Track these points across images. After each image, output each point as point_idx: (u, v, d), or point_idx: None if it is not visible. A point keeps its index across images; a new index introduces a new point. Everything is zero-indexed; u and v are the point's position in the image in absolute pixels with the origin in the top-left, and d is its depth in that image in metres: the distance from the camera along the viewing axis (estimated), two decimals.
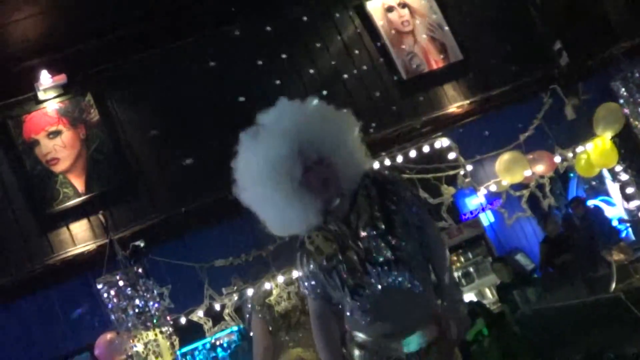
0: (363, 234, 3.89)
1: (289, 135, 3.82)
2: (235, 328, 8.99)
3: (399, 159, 8.55)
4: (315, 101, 4.04)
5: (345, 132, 4.00)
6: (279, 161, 3.80)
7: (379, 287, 3.87)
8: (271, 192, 3.83)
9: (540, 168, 8.78)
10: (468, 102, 9.02)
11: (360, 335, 4.02)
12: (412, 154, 8.62)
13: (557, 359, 6.64)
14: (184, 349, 12.33)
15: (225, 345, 12.47)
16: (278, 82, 8.74)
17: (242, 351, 10.94)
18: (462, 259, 14.00)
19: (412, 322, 3.95)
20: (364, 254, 3.87)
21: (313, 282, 3.96)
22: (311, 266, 3.91)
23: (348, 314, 3.98)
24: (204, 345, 12.41)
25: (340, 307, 4.02)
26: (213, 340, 12.33)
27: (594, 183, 11.29)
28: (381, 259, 3.88)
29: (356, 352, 4.09)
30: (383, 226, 3.90)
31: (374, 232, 3.88)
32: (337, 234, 3.91)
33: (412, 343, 3.90)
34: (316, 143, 3.85)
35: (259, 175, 3.85)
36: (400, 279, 3.90)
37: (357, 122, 4.04)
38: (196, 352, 12.75)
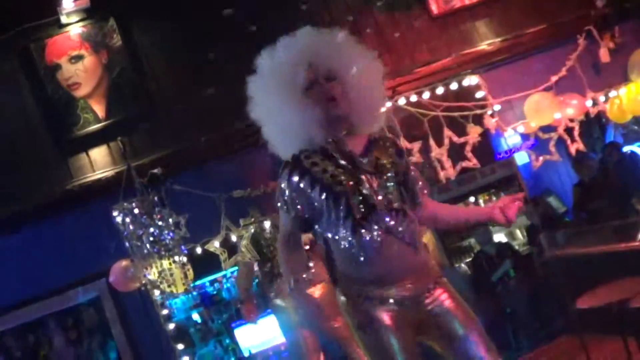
0: (382, 174, 3.91)
1: (301, 45, 3.90)
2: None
3: (425, 95, 8.43)
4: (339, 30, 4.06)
5: (365, 65, 4.01)
6: (286, 68, 3.86)
7: (383, 231, 3.87)
8: (277, 100, 3.89)
9: (570, 111, 8.61)
10: (500, 39, 8.83)
11: (349, 275, 4.02)
12: (439, 90, 8.49)
13: (578, 306, 6.54)
14: (211, 277, 12.49)
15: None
16: (304, 7, 8.59)
17: None
18: (494, 198, 13.93)
19: (406, 271, 3.99)
20: (377, 195, 3.87)
21: (297, 199, 3.93)
22: (302, 184, 3.88)
23: (342, 247, 3.95)
24: (232, 273, 12.52)
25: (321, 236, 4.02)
26: None
27: (635, 127, 11.05)
28: (391, 205, 3.89)
29: (342, 298, 4.13)
30: (400, 178, 3.95)
31: (393, 178, 3.92)
32: (346, 167, 3.89)
33: None
34: (329, 58, 3.90)
35: (268, 85, 3.92)
36: (401, 228, 3.90)
37: (381, 67, 4.04)
38: (224, 280, 12.89)
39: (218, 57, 8.26)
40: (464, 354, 3.98)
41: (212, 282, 12.84)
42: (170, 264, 7.30)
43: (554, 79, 8.68)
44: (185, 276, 7.40)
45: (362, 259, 3.89)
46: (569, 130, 8.71)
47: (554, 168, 12.46)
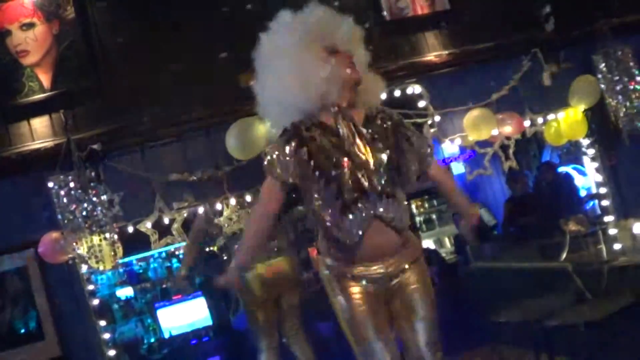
0: (377, 155, 4.04)
1: (329, 15, 4.16)
2: None
3: None
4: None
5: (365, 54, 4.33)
6: (316, 27, 4.08)
7: (371, 213, 4.00)
8: (300, 55, 4.06)
9: (508, 129, 8.76)
10: (447, 52, 8.94)
11: (334, 252, 4.21)
12: (382, 96, 8.55)
13: (498, 318, 6.71)
14: (139, 256, 12.51)
15: (180, 256, 12.61)
16: None
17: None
18: (426, 205, 14.20)
19: (388, 253, 4.17)
20: (369, 178, 4.00)
21: (291, 165, 4.07)
22: (299, 152, 4.03)
23: (327, 225, 4.10)
24: (160, 253, 12.56)
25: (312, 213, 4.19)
26: (171, 250, 12.48)
27: (572, 149, 11.28)
28: (382, 189, 4.02)
29: (325, 272, 4.32)
30: (394, 161, 4.07)
31: (388, 162, 4.05)
32: (345, 141, 4.04)
33: None
34: (348, 35, 4.17)
35: (294, 39, 4.08)
36: (390, 214, 4.05)
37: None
38: (151, 260, 12.92)
39: (173, 41, 8.29)
40: (416, 331, 4.25)
41: (139, 261, 12.88)
42: (100, 240, 7.32)
43: (495, 96, 8.83)
44: (115, 254, 7.42)
45: (347, 241, 4.04)
46: (504, 148, 8.86)
47: (488, 182, 12.69)
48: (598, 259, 6.99)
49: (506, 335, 7.47)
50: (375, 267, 4.15)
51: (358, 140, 4.03)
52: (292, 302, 7.38)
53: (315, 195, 4.06)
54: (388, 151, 4.04)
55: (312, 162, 3.99)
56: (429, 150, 4.33)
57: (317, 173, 3.98)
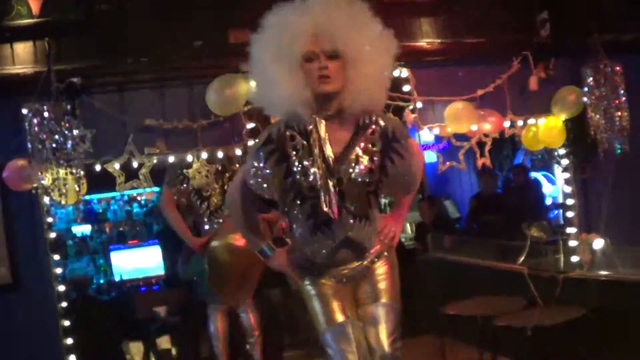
0: (356, 179, 3.96)
1: (312, 13, 3.82)
2: (157, 189, 9.03)
3: None
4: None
5: (375, 45, 3.94)
6: (289, 33, 3.81)
7: (341, 236, 4.03)
8: (273, 64, 3.85)
9: (487, 127, 8.77)
10: (439, 41, 8.92)
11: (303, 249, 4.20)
12: (383, 100, 8.52)
13: (447, 310, 6.78)
14: (101, 195, 12.46)
15: (142, 202, 12.60)
16: None
17: (157, 212, 11.05)
18: None
19: (353, 260, 4.20)
20: (344, 199, 3.96)
21: (267, 184, 4.02)
22: (277, 167, 3.98)
23: (297, 235, 4.17)
24: (122, 196, 12.51)
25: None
26: (134, 194, 12.45)
27: (546, 156, 11.36)
28: (355, 212, 3.99)
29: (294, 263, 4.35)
30: (374, 185, 4.00)
31: (366, 186, 3.98)
32: (326, 160, 3.93)
33: None
34: (337, 34, 3.82)
35: (268, 44, 3.88)
36: (361, 235, 4.07)
37: (393, 46, 4.05)
38: (112, 201, 12.88)
39: None
40: (377, 317, 4.28)
41: (100, 201, 12.82)
42: (66, 174, 7.24)
43: (480, 92, 8.82)
44: (79, 189, 7.36)
45: (314, 258, 4.03)
46: (480, 144, 8.88)
47: (458, 175, 12.77)
48: (554, 268, 7.09)
49: (453, 329, 7.53)
50: (341, 270, 4.20)
51: (336, 157, 3.96)
52: (256, 271, 7.40)
53: (287, 210, 4.05)
54: (370, 172, 3.96)
55: (289, 179, 3.94)
56: (411, 179, 4.21)
57: (293, 191, 3.95)
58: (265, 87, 3.96)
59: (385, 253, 4.32)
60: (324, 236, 3.98)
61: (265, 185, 3.99)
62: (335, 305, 4.18)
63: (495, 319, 6.26)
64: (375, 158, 3.97)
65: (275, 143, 3.97)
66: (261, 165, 3.97)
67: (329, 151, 3.91)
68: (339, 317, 4.17)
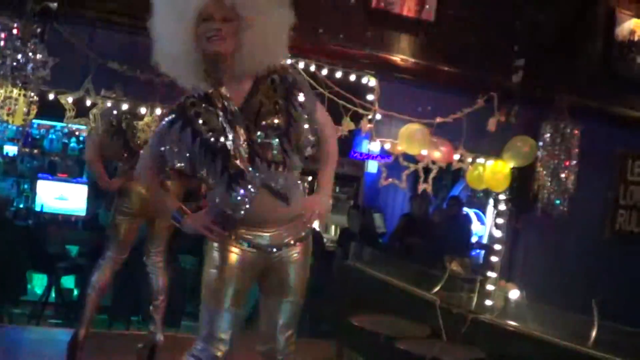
0: (262, 124, 3.95)
1: None
2: None
3: (324, 71, 8.50)
4: None
5: (273, 11, 3.95)
6: None
7: (258, 183, 3.95)
8: (168, 26, 3.86)
9: (437, 154, 8.87)
10: (413, 60, 8.95)
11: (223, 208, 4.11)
12: (338, 74, 8.57)
13: (352, 321, 6.80)
14: (42, 121, 12.29)
15: (81, 138, 12.46)
16: None
17: None
18: (337, 189, 14.24)
19: (274, 222, 4.15)
20: (256, 147, 3.95)
21: (176, 149, 4.00)
22: (183, 136, 3.97)
23: (217, 199, 4.08)
24: (62, 127, 12.37)
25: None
26: (73, 128, 12.28)
27: (481, 195, 11.49)
28: (269, 158, 3.96)
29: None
30: (283, 127, 3.97)
31: (274, 130, 3.97)
32: (229, 113, 3.95)
33: None
34: None
35: (164, 5, 3.87)
36: (281, 182, 4.00)
37: (290, 18, 3.99)
38: (52, 130, 12.72)
39: None
40: (280, 310, 4.31)
41: (40, 127, 12.65)
42: (19, 95, 7.16)
43: (439, 119, 8.89)
44: (28, 113, 7.27)
45: (235, 209, 4.00)
46: (426, 170, 8.95)
47: (394, 191, 12.83)
48: (466, 306, 7.14)
49: (354, 340, 7.58)
50: (258, 232, 4.15)
51: (239, 114, 3.98)
52: (164, 224, 7.27)
53: (202, 172, 4.05)
54: (277, 113, 3.99)
55: (197, 140, 3.96)
56: (323, 131, 4.25)
57: (202, 150, 3.96)
58: (160, 42, 3.95)
59: (303, 234, 4.31)
60: (240, 188, 3.95)
61: (173, 155, 4.03)
62: (231, 288, 4.15)
63: (398, 341, 6.29)
64: (279, 101, 4.01)
65: (176, 113, 4.05)
66: (169, 134, 4.02)
67: (231, 106, 3.97)
68: (228, 303, 4.14)
